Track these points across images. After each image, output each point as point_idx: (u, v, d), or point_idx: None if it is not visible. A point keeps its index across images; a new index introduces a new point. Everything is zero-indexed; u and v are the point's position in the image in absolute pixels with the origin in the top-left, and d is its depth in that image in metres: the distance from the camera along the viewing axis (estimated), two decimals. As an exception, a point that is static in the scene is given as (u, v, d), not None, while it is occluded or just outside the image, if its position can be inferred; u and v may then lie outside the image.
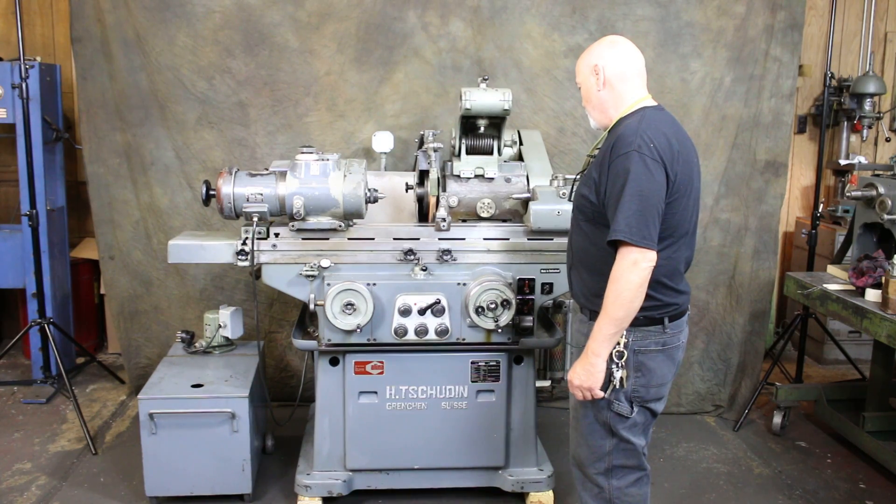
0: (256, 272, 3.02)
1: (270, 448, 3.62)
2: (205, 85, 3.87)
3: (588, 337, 2.21)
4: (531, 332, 3.00)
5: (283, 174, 2.91)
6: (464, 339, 2.98)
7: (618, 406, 2.27)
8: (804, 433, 4.05)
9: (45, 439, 3.78)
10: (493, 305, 2.87)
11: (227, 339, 3.56)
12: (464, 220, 3.12)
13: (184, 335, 3.57)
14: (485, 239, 3.01)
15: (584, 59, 2.33)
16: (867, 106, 4.97)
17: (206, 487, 3.16)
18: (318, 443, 3.10)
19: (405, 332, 2.92)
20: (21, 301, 4.63)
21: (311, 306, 2.96)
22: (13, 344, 4.28)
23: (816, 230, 4.38)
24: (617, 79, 2.27)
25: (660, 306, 2.24)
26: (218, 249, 3.01)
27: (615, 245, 2.12)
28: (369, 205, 2.95)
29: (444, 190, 3.12)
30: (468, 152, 3.18)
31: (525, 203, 3.05)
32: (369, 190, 2.93)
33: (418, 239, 2.99)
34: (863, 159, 5.03)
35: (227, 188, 2.88)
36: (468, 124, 3.15)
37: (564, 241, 2.73)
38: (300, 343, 3.03)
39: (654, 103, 2.30)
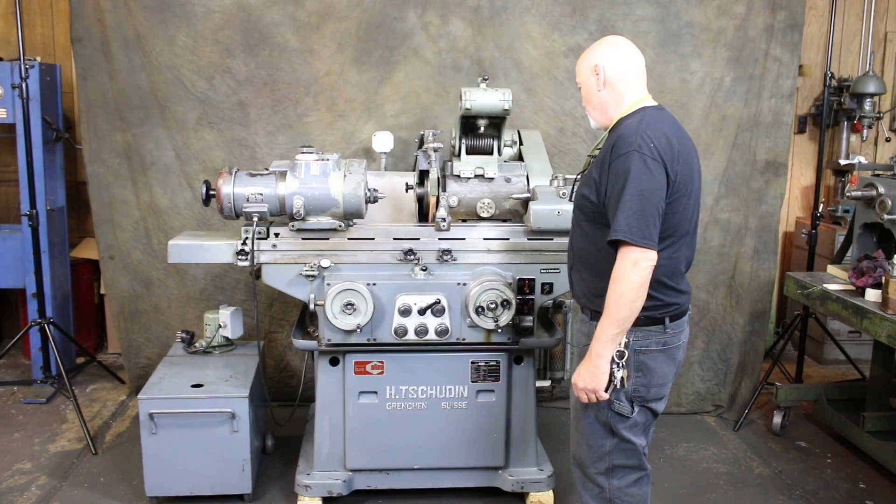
0: (256, 272, 3.02)
1: (270, 448, 3.62)
2: (205, 85, 3.87)
3: (589, 337, 2.21)
4: (531, 332, 3.00)
5: (283, 174, 2.91)
6: (464, 339, 2.98)
7: (618, 406, 2.27)
8: (804, 433, 4.05)
9: (45, 439, 3.78)
10: (493, 305, 2.87)
11: (227, 339, 3.56)
12: (464, 220, 3.12)
13: (184, 335, 3.57)
14: (485, 239, 3.01)
15: (584, 59, 2.33)
16: (867, 106, 4.97)
17: (206, 487, 3.16)
18: (318, 443, 3.10)
19: (405, 332, 2.92)
20: (21, 301, 4.63)
21: (311, 306, 2.96)
22: (13, 344, 4.28)
23: (816, 230, 4.37)
24: (617, 79, 2.27)
25: (661, 306, 2.24)
26: (218, 249, 3.01)
27: (616, 245, 2.12)
28: (369, 205, 2.95)
29: (444, 190, 3.11)
30: (468, 152, 3.18)
31: (525, 203, 3.05)
32: (369, 190, 2.93)
33: (418, 239, 2.99)
34: (863, 159, 5.04)
35: (227, 188, 2.88)
36: (468, 124, 3.15)
37: (564, 241, 2.74)
38: (300, 343, 3.03)
39: (655, 103, 2.30)
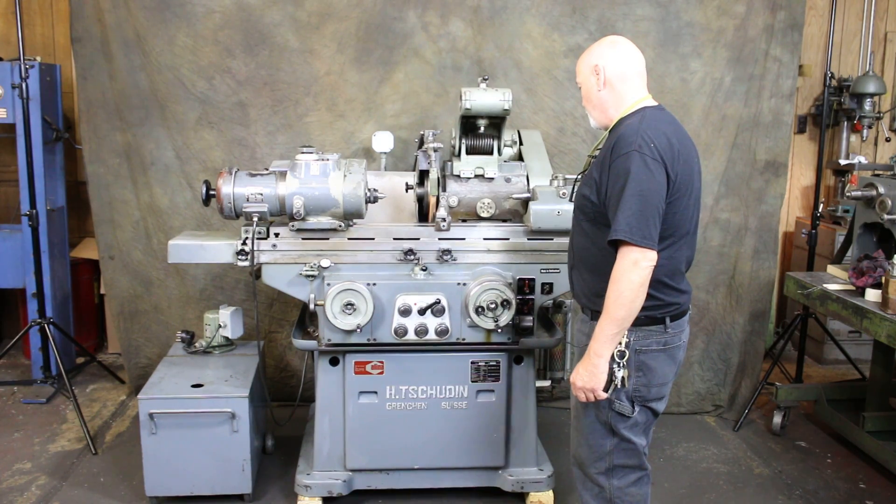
0: (256, 272, 3.02)
1: (270, 448, 3.62)
2: (205, 85, 3.87)
3: (589, 337, 2.21)
4: (531, 332, 3.00)
5: (283, 174, 2.91)
6: (464, 339, 2.98)
7: (619, 405, 2.27)
8: (804, 433, 4.05)
9: (45, 439, 3.78)
10: (493, 305, 2.87)
11: (227, 339, 3.56)
12: (464, 220, 3.12)
13: (184, 335, 3.57)
14: (485, 239, 3.01)
15: (584, 59, 2.33)
16: (867, 106, 4.97)
17: (206, 487, 3.16)
18: (318, 443, 3.10)
19: (405, 332, 2.92)
20: (21, 301, 4.63)
21: (311, 306, 2.96)
22: (13, 344, 4.28)
23: (816, 230, 4.38)
24: (617, 79, 2.27)
25: (661, 306, 2.24)
26: (218, 249, 3.01)
27: (616, 245, 2.12)
28: (369, 205, 2.95)
29: (444, 190, 3.11)
30: (468, 152, 3.18)
31: (525, 203, 3.05)
32: (369, 190, 2.93)
33: (418, 239, 2.99)
34: (863, 159, 5.03)
35: (227, 188, 2.88)
36: (468, 124, 3.15)
37: (564, 241, 2.74)
38: (300, 343, 3.03)
39: (655, 103, 2.31)
